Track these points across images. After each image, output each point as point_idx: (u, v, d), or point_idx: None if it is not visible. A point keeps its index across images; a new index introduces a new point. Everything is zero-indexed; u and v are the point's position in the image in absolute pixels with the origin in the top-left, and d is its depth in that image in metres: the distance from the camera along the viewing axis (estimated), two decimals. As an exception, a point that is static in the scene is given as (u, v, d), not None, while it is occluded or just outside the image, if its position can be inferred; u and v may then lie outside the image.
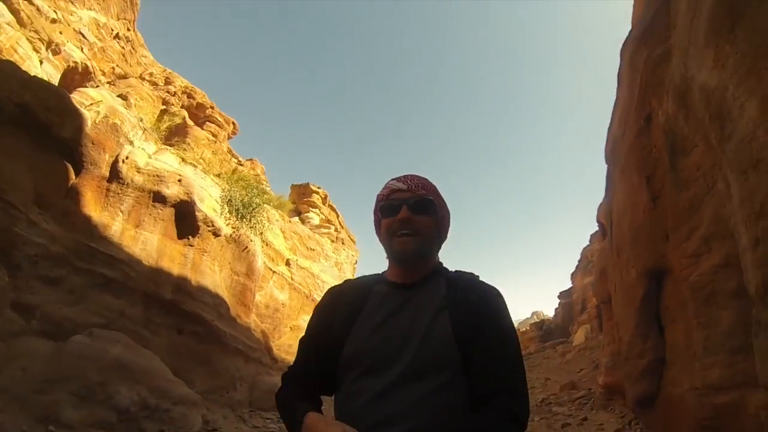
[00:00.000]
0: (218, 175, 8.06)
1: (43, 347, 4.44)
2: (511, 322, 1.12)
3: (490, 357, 1.03)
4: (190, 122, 9.07)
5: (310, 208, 13.85)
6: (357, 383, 1.06)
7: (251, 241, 7.98)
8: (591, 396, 7.00)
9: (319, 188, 14.42)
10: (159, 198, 5.96)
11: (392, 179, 1.20)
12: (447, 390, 1.02)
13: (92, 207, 5.33)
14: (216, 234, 6.93)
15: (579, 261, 26.21)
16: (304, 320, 11.12)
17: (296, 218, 12.81)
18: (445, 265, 1.24)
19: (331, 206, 14.84)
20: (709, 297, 2.24)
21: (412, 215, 1.11)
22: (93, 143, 5.36)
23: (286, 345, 10.30)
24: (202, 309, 6.49)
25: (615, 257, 3.77)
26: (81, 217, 5.20)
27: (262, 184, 10.62)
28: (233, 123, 10.97)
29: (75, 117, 5.14)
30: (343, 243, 14.54)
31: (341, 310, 1.14)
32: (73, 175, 5.21)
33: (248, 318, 8.17)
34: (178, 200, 6.19)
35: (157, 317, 5.88)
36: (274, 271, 9.47)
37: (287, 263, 10.18)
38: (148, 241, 5.80)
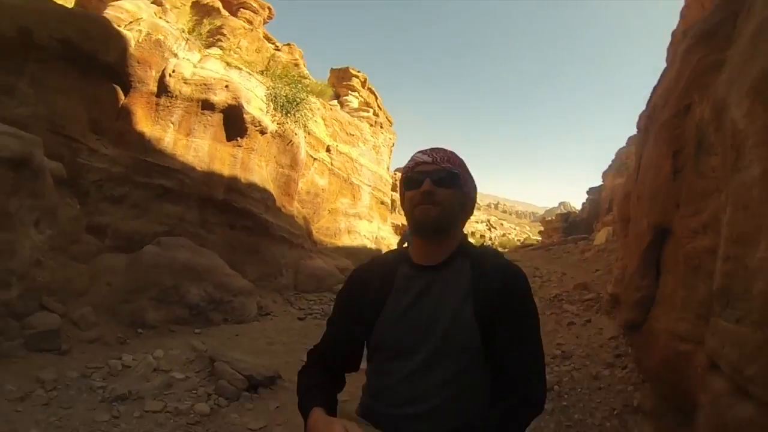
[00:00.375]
0: (262, 73, 8.05)
1: (120, 261, 5.21)
2: (533, 306, 1.15)
3: (509, 345, 1.07)
4: (224, 12, 8.73)
5: (350, 92, 13.58)
6: (386, 365, 1.14)
7: (295, 134, 8.28)
8: (599, 300, 7.37)
9: (358, 72, 13.98)
10: (207, 105, 6.21)
11: (418, 152, 1.20)
12: (468, 372, 1.09)
13: (144, 123, 5.66)
14: (263, 132, 7.25)
15: (613, 161, 25.52)
16: (341, 203, 11.75)
17: (335, 102, 12.73)
18: (469, 239, 1.24)
19: (370, 89, 14.44)
20: (695, 268, 2.49)
21: (435, 188, 1.10)
22: (138, 62, 5.49)
23: (325, 228, 11.05)
24: (251, 204, 7.13)
25: (635, 198, 3.89)
26: (135, 135, 5.58)
27: (301, 69, 10.47)
28: (268, 7, 10.36)
29: (118, 41, 5.22)
30: (381, 126, 14.52)
31: (369, 296, 1.16)
32: (122, 96, 5.47)
33: (291, 206, 8.85)
34: (226, 105, 6.42)
35: (212, 217, 6.56)
36: (314, 158, 9.86)
37: (327, 149, 10.52)
38: (199, 148, 6.22)
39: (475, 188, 1.24)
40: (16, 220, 3.63)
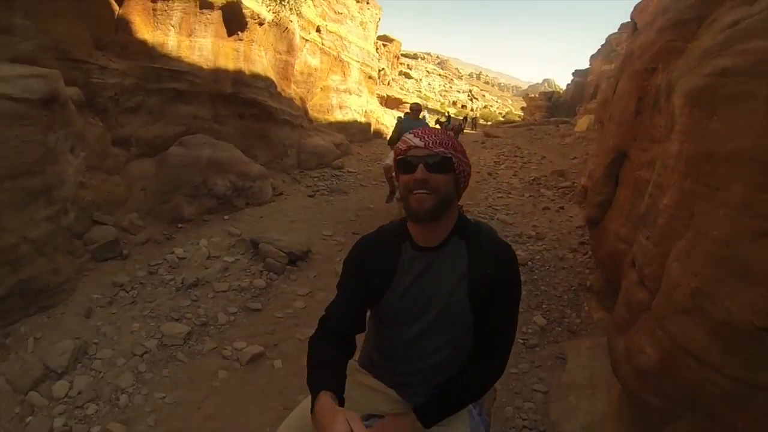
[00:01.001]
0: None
1: (149, 166, 5.68)
2: (518, 291, 1.29)
3: (490, 323, 1.25)
4: None
5: None
6: (389, 330, 1.32)
7: (290, 21, 8.23)
8: (573, 189, 8.12)
9: None
10: (205, 4, 6.11)
11: (410, 133, 1.23)
12: (458, 340, 1.28)
13: (144, 31, 5.66)
14: (261, 23, 7.23)
15: (603, 45, 25.78)
16: (332, 80, 11.91)
17: None
18: (463, 214, 1.33)
19: None
20: (639, 191, 3.21)
21: (429, 174, 1.15)
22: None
23: (318, 105, 11.42)
24: (256, 93, 7.46)
25: (608, 116, 4.50)
26: (138, 44, 5.62)
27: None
28: None
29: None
30: (367, 2, 14.08)
31: (378, 272, 1.27)
32: (116, 7, 5.38)
33: (290, 89, 9.15)
34: (225, 2, 6.33)
35: (222, 110, 6.94)
36: (306, 40, 9.81)
37: (318, 30, 10.37)
38: (203, 47, 6.31)
39: (468, 165, 1.26)
40: (57, 152, 3.91)
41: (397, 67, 32.15)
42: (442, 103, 37.40)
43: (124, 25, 5.57)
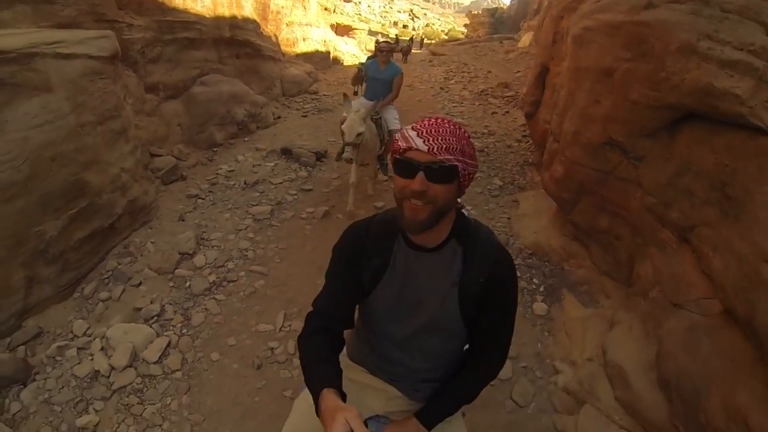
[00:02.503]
0: None
1: (179, 106, 6.84)
2: (514, 298, 1.26)
3: (486, 327, 1.25)
4: None
5: None
6: (380, 328, 1.32)
7: None
8: (516, 97, 9.75)
9: None
10: None
11: (412, 127, 1.08)
12: (450, 343, 1.32)
13: None
14: None
15: None
16: (295, 15, 12.97)
17: None
18: (464, 211, 1.27)
19: None
20: (554, 91, 5.08)
21: (428, 184, 1.03)
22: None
23: (285, 39, 12.54)
24: (247, 35, 8.69)
25: (537, 39, 6.30)
26: (149, 0, 6.53)
27: None
28: None
29: None
30: None
31: (369, 267, 1.24)
32: None
33: (267, 28, 10.28)
34: None
35: (224, 52, 8.11)
36: (274, -20, 10.78)
37: (282, -30, 11.25)
38: None
39: (475, 165, 1.14)
40: (122, 102, 4.63)
41: (338, -8, 31.84)
42: (383, 25, 37.40)
43: None
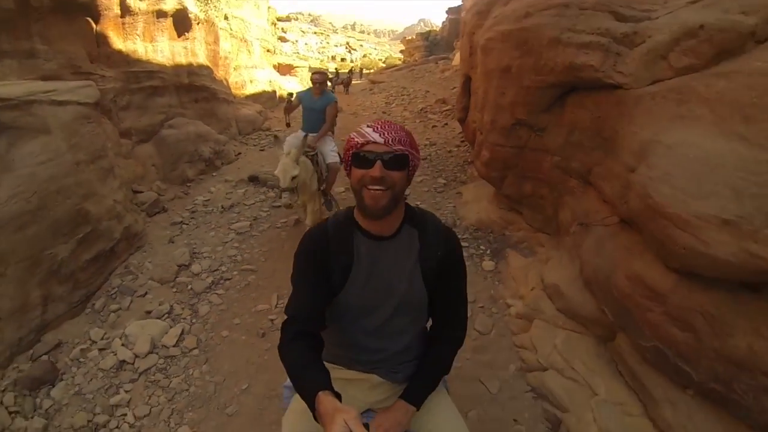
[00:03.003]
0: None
1: (152, 147, 7.42)
2: (464, 268, 1.42)
3: (446, 300, 1.40)
4: None
5: None
6: (352, 322, 1.38)
7: (216, 17, 10.17)
8: (453, 110, 10.64)
9: None
10: (161, 14, 7.80)
11: (368, 126, 1.23)
12: (419, 320, 1.44)
13: (118, 42, 7.18)
14: (198, 23, 9.11)
15: None
16: (241, 59, 13.83)
17: None
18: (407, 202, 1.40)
19: None
20: (475, 94, 6.14)
21: (386, 172, 1.17)
22: (103, -6, 6.81)
23: (234, 82, 13.23)
24: (203, 80, 9.40)
25: (461, 57, 7.38)
26: (116, 54, 7.12)
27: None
28: None
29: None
30: None
31: (335, 265, 1.31)
32: (95, 25, 6.79)
33: (218, 73, 11.05)
34: (175, 10, 8.09)
35: (184, 97, 8.77)
36: (220, 28, 11.61)
37: (225, 17, 12.12)
38: (163, 49, 8.01)
39: (419, 158, 1.31)
40: (107, 143, 5.21)
41: (275, 33, 32.96)
42: (321, 61, 38.19)
43: (102, 40, 7.06)
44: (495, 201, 5.44)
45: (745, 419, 2.01)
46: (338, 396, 1.02)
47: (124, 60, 7.46)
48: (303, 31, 45.63)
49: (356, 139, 1.22)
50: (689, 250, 2.05)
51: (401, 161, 1.21)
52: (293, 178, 4.10)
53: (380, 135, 1.19)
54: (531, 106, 4.05)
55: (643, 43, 3.09)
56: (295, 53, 35.73)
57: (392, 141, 1.19)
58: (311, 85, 5.20)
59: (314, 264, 1.31)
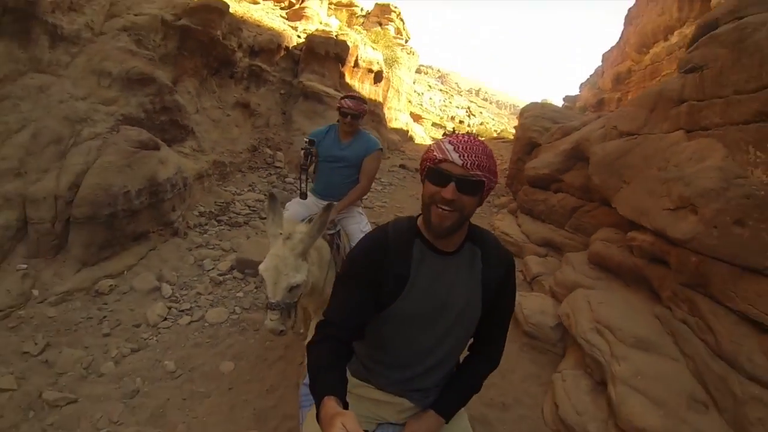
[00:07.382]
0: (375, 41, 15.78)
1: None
2: (515, 289, 1.39)
3: (494, 319, 1.36)
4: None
5: (389, 22, 21.55)
6: (401, 335, 1.30)
7: (391, 74, 16.68)
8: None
9: (396, 7, 21.71)
10: (370, 70, 14.19)
11: (449, 141, 1.14)
12: (467, 337, 1.38)
13: (348, 79, 13.51)
14: (385, 77, 15.38)
15: (591, 75, 25.87)
16: (394, 102, 19.69)
17: (379, 28, 20.34)
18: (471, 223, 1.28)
19: (401, 19, 22.27)
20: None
21: (458, 195, 1.10)
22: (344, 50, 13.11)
23: (387, 117, 19.14)
24: (379, 110, 15.31)
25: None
26: (347, 85, 13.23)
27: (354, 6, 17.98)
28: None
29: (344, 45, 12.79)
30: (411, 53, 23.23)
31: (391, 273, 1.23)
32: (340, 68, 13.06)
33: (384, 109, 17.00)
34: (377, 69, 14.25)
35: (369, 119, 14.69)
36: (391, 82, 17.88)
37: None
38: (367, 89, 14.18)
39: (497, 181, 1.20)
40: None
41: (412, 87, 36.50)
42: (441, 118, 38.76)
43: (341, 76, 13.18)
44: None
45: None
46: (345, 405, 0.97)
47: (349, 89, 13.16)
48: (430, 86, 46.26)
49: (435, 153, 1.13)
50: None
51: (476, 187, 1.12)
52: (292, 288, 1.89)
53: (460, 156, 1.09)
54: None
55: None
56: (418, 104, 37.08)
57: (471, 165, 1.09)
58: (340, 120, 3.01)
59: (365, 273, 1.23)
